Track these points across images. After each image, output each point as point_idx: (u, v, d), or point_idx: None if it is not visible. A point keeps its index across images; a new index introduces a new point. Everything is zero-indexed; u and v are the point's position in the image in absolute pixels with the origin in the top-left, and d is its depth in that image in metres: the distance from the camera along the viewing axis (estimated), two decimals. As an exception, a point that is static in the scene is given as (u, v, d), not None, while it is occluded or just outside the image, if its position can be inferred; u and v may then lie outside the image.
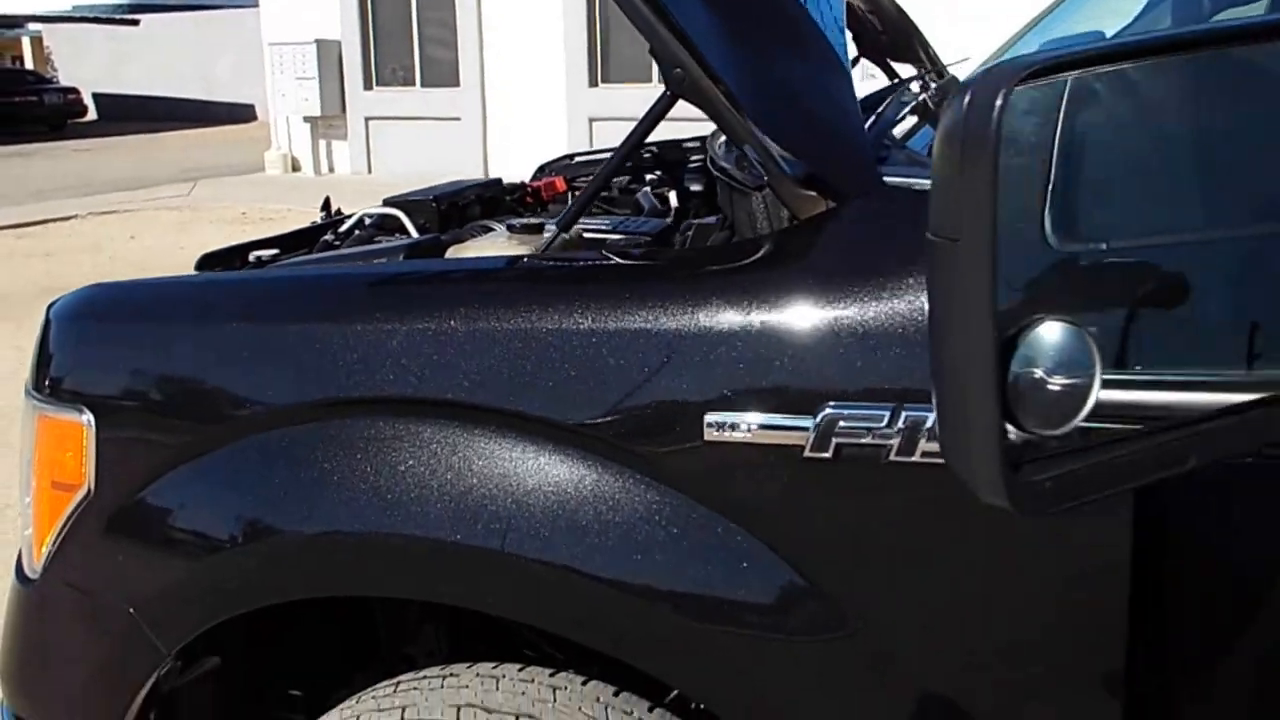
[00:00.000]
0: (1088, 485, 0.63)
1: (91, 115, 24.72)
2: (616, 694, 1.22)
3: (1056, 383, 0.60)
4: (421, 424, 1.09)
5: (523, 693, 1.19)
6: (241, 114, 22.60)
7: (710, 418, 0.98)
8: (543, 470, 1.06)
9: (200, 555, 1.21)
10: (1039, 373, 0.61)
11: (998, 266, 0.58)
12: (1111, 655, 0.93)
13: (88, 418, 1.26)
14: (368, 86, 12.77)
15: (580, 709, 1.18)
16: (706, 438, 0.99)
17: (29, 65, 27.91)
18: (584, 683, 1.22)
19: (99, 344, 1.31)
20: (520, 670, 1.22)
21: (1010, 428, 0.60)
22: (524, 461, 1.07)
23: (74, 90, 23.48)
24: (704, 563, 1.02)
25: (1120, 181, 0.78)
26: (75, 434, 1.27)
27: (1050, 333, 0.60)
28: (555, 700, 1.19)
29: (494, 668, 1.21)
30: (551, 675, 1.23)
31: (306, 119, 13.04)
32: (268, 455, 1.16)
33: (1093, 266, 0.73)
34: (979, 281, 0.59)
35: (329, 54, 12.63)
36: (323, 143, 13.28)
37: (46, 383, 1.31)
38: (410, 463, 1.10)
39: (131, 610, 1.25)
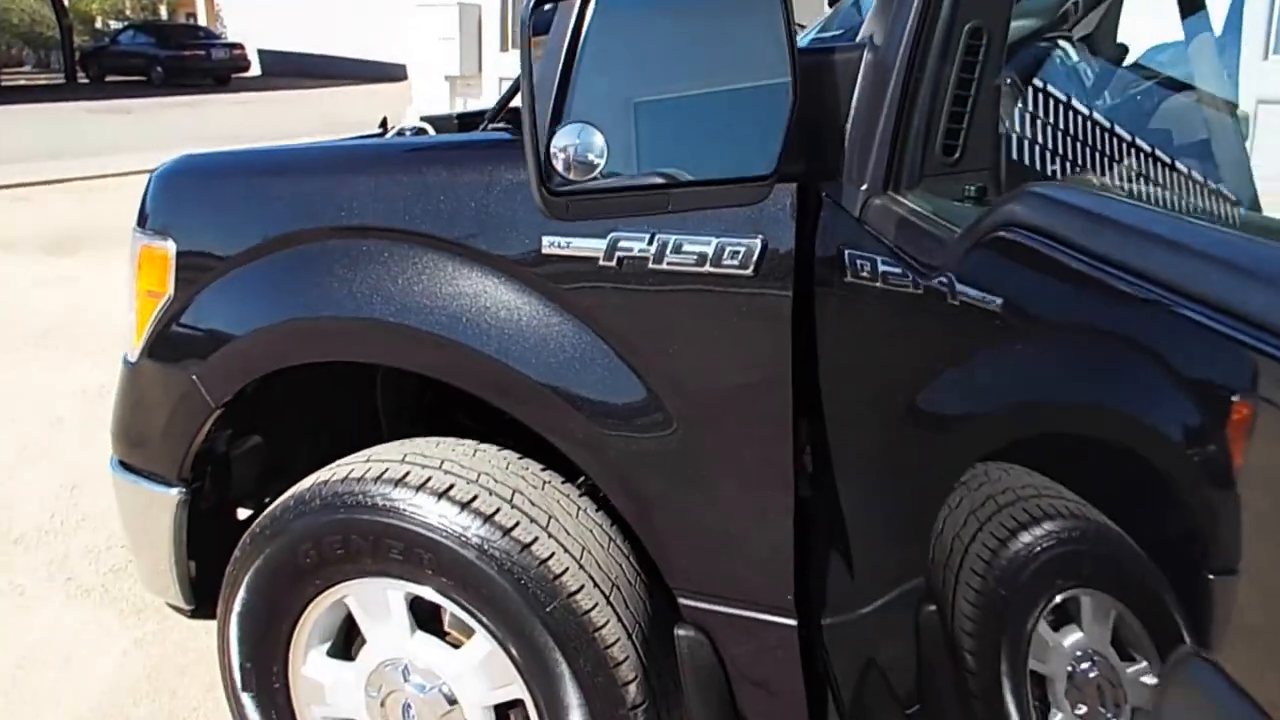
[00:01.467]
0: (595, 210, 1.10)
1: (255, 70, 26.34)
2: (520, 459, 1.75)
3: (579, 155, 1.08)
4: (376, 242, 1.63)
5: (454, 450, 1.72)
6: (393, 73, 23.69)
7: (546, 239, 1.50)
8: (454, 277, 1.59)
9: (235, 335, 1.78)
10: (571, 148, 1.08)
11: (548, 104, 1.08)
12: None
13: (171, 244, 1.84)
14: (503, 48, 13.47)
15: (489, 461, 1.71)
16: (544, 251, 1.50)
17: (201, 21, 29.80)
18: (498, 450, 1.76)
19: (181, 194, 1.89)
20: (456, 440, 1.77)
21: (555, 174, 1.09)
22: (441, 270, 1.59)
23: (239, 46, 25.07)
24: (547, 338, 1.54)
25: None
26: (163, 256, 1.85)
27: (581, 130, 1.08)
28: (474, 455, 1.72)
29: (440, 439, 1.76)
30: (477, 443, 1.77)
31: (446, 78, 13.85)
32: (281, 267, 1.72)
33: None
34: (542, 109, 1.08)
35: (469, 17, 13.39)
36: (459, 100, 14.06)
37: (146, 221, 1.89)
38: (368, 268, 1.64)
39: (193, 378, 1.83)
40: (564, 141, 1.06)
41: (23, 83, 27.56)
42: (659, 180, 1.10)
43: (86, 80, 25.90)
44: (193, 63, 23.85)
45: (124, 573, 2.95)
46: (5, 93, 21.98)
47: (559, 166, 1.06)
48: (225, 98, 20.43)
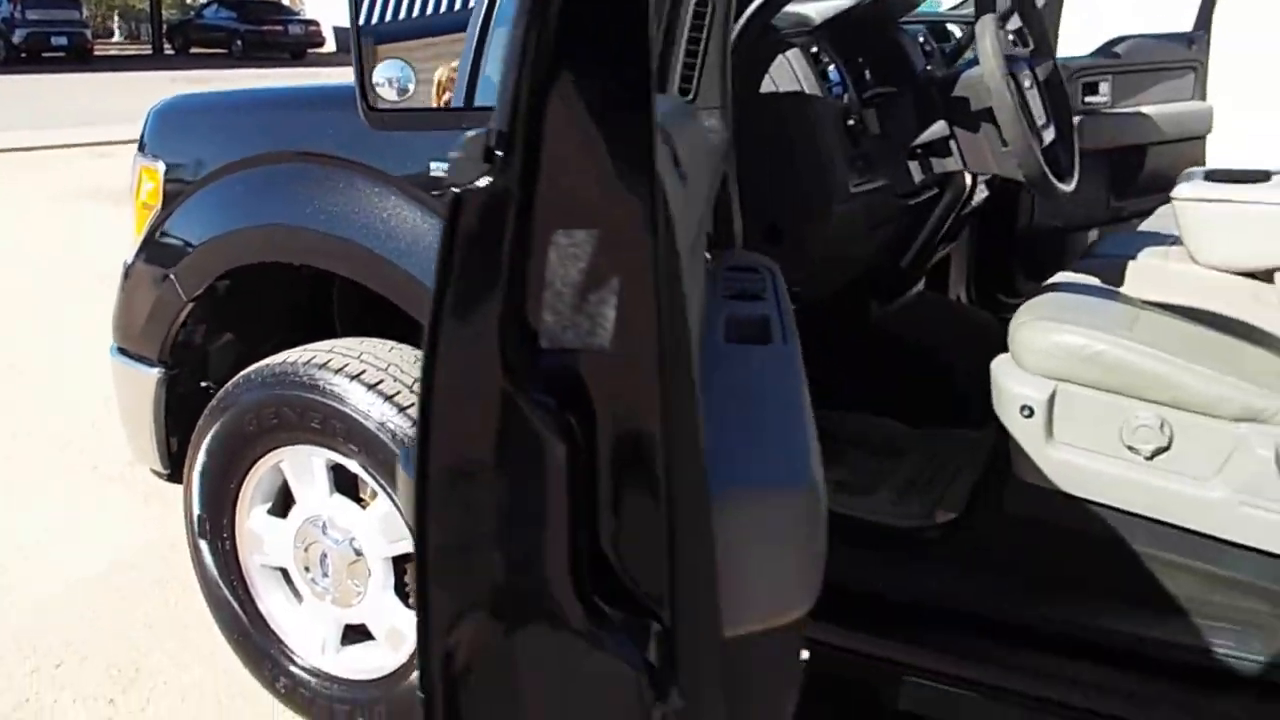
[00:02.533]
0: (402, 123, 1.46)
1: (330, 47, 27.07)
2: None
3: (400, 83, 1.44)
4: (312, 166, 2.01)
5: (375, 346, 2.09)
6: (459, 55, 24.25)
7: (433, 164, 1.86)
8: (369, 194, 1.96)
9: (201, 240, 2.16)
10: (394, 78, 1.44)
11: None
12: None
13: (161, 165, 2.24)
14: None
15: (401, 356, 2.07)
16: (431, 174, 1.86)
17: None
18: (412, 348, 2.12)
19: (170, 125, 2.28)
20: (381, 339, 2.14)
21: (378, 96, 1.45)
22: (359, 188, 1.96)
23: (314, 23, 25.83)
24: (432, 245, 1.90)
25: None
26: (155, 176, 2.25)
27: (401, 65, 1.44)
28: (390, 350, 2.09)
29: (369, 339, 2.13)
30: (397, 342, 2.14)
31: (505, 60, 14.30)
32: (238, 185, 2.10)
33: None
34: (367, 49, 1.45)
35: None
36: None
37: (144, 148, 2.29)
38: (304, 186, 2.01)
39: (171, 275, 2.22)
40: (387, 73, 1.42)
41: (113, 52, 28.64)
42: (456, 106, 1.45)
43: (172, 51, 26.87)
44: (271, 37, 24.66)
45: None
46: (97, 61, 22.92)
47: (383, 91, 1.42)
48: (298, 71, 21.14)
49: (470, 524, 0.66)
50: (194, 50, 26.09)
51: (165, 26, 28.02)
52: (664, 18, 1.38)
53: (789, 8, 1.93)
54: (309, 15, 26.99)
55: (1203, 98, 3.60)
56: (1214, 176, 2.40)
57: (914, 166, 1.95)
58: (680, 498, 0.71)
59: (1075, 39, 3.69)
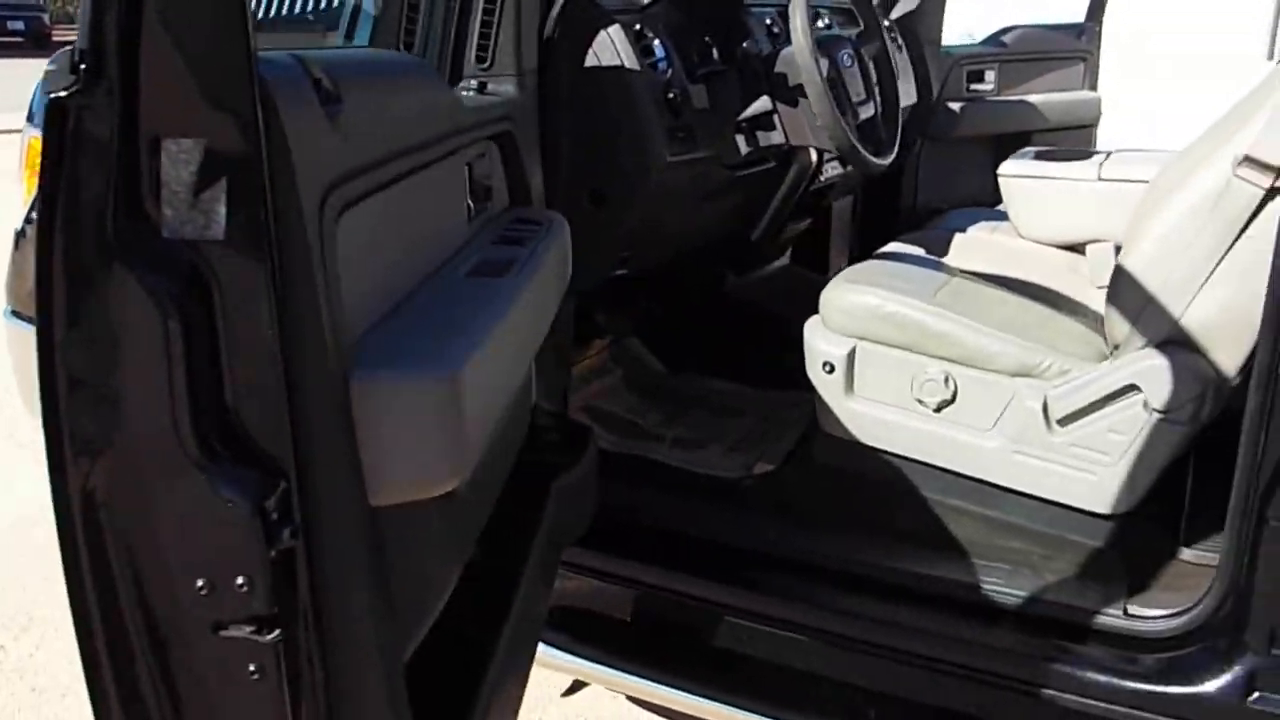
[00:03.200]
0: None
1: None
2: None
3: None
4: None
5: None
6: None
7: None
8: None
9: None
10: None
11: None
12: None
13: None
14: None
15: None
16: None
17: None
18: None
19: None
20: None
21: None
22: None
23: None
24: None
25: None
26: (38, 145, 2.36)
27: None
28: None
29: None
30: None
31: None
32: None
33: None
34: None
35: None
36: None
37: (32, 115, 2.40)
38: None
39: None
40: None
41: (73, 37, 28.12)
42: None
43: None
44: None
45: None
46: (55, 46, 22.64)
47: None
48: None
49: (96, 376, 0.79)
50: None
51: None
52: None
53: None
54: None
55: (1093, 88, 3.75)
56: (1043, 156, 2.54)
57: (740, 140, 2.08)
58: (305, 377, 0.85)
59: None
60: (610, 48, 1.86)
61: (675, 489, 2.05)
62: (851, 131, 2.07)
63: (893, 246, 2.31)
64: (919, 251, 2.26)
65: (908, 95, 3.14)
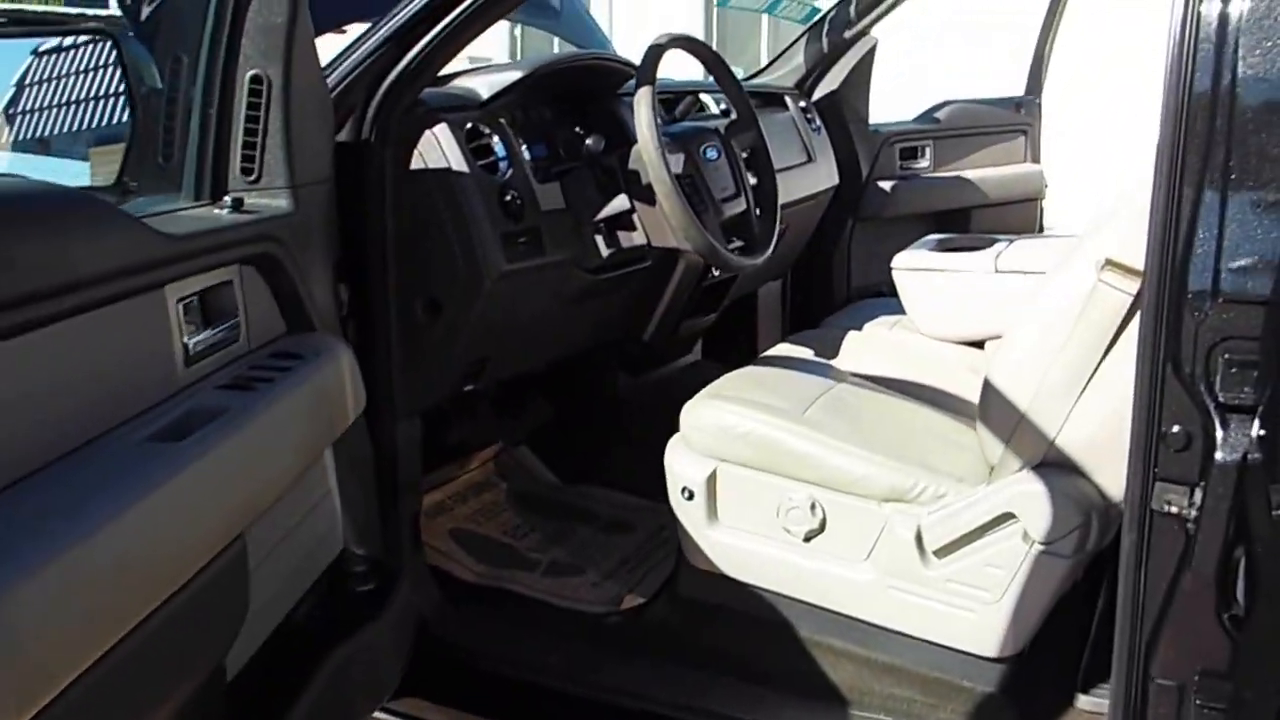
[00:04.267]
0: None
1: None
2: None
3: None
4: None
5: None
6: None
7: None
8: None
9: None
10: None
11: None
12: None
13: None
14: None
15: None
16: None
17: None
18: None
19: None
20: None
21: None
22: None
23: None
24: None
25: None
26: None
27: None
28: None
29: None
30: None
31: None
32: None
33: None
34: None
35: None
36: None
37: None
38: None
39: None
40: None
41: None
42: None
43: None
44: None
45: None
46: None
47: None
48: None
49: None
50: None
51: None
52: (209, 98, 1.36)
53: (459, 82, 1.92)
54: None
55: (1035, 160, 3.60)
56: (945, 245, 2.37)
57: (600, 241, 1.93)
58: None
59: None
60: (436, 149, 1.72)
61: (532, 628, 1.87)
62: (713, 231, 1.91)
63: (781, 349, 2.14)
64: (807, 353, 2.09)
65: (828, 177, 3.00)
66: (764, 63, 3.37)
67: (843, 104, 3.12)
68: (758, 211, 2.12)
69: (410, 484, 1.85)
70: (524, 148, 1.90)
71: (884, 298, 2.59)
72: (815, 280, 3.24)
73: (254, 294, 1.34)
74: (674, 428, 1.83)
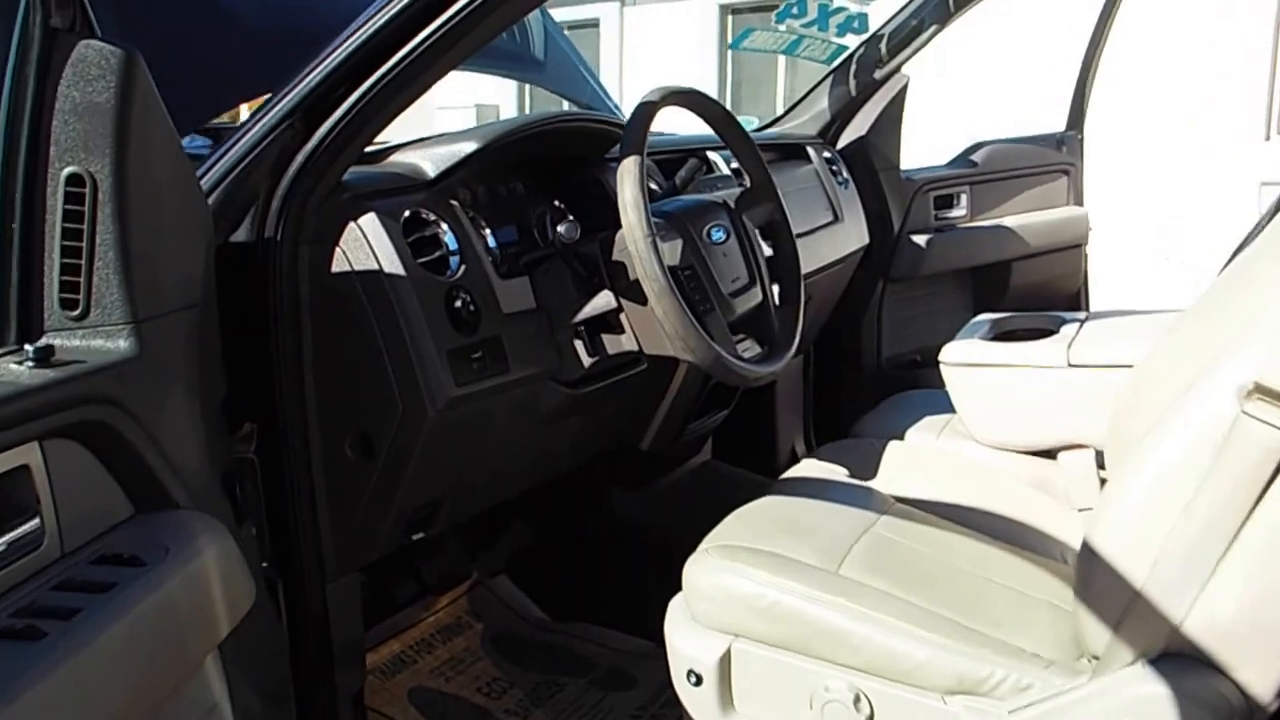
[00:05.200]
0: None
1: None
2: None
3: None
4: None
5: None
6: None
7: None
8: None
9: None
10: None
11: None
12: None
13: None
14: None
15: None
16: None
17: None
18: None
19: None
20: None
21: None
22: None
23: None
24: None
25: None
26: None
27: None
28: None
29: None
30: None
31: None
32: None
33: None
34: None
35: (486, 117, 13.69)
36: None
37: None
38: None
39: None
40: None
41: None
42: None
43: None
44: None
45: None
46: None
47: None
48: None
49: None
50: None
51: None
52: (7, 207, 1.00)
53: (400, 156, 1.56)
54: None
55: (1079, 202, 3.22)
56: (1001, 330, 1.98)
57: (581, 347, 1.56)
58: None
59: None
60: (363, 246, 1.35)
61: None
62: (719, 335, 1.53)
63: (807, 467, 1.75)
64: (839, 473, 1.71)
65: (857, 237, 2.62)
66: (781, 108, 3.00)
67: (872, 151, 2.75)
68: (777, 302, 1.73)
69: (349, 652, 1.48)
70: (486, 233, 1.54)
71: (925, 391, 2.19)
72: (843, 351, 2.86)
73: (71, 476, 0.96)
74: (683, 547, 1.46)
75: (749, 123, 2.78)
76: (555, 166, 1.73)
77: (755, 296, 1.66)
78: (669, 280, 1.43)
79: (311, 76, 1.23)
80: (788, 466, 2.84)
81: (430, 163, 1.52)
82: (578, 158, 1.76)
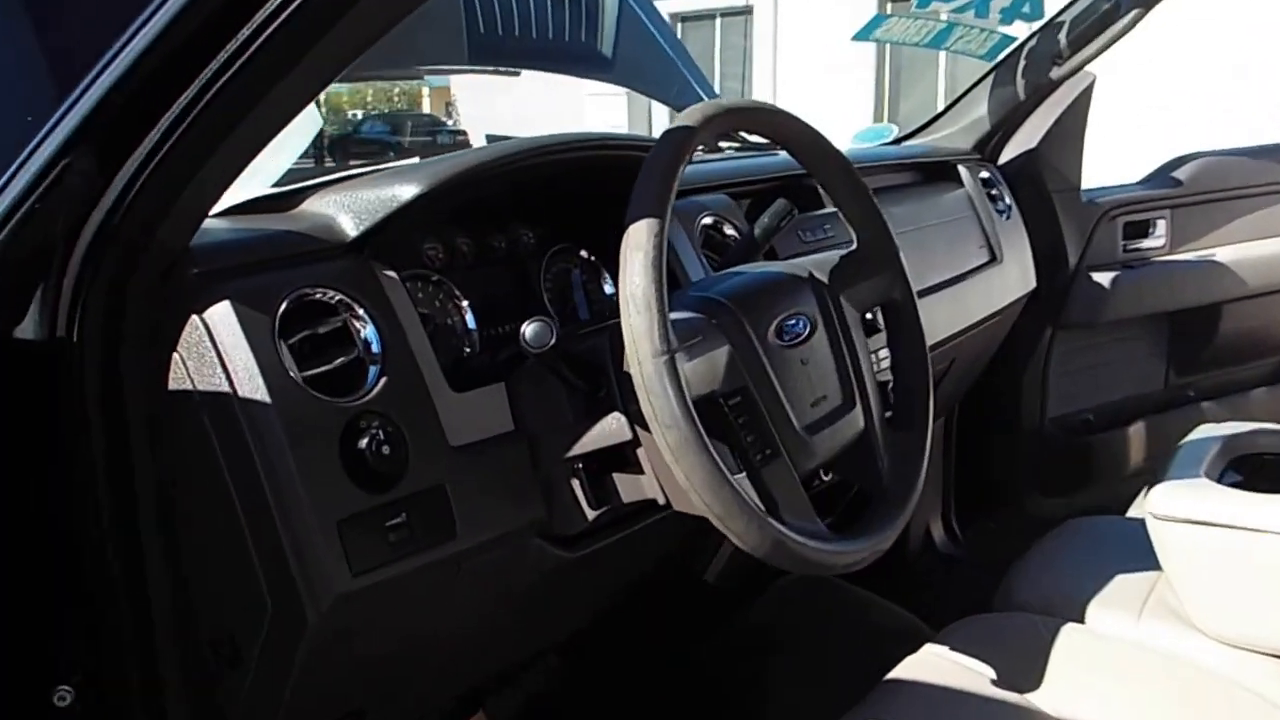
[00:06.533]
0: None
1: (479, 154, 27.60)
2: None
3: None
4: None
5: None
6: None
7: None
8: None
9: None
10: None
11: None
12: None
13: None
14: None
15: None
16: None
17: (426, 109, 31.65)
18: None
19: None
20: None
21: None
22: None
23: (463, 133, 26.30)
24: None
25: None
26: None
27: None
28: None
29: None
30: None
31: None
32: None
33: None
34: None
35: (638, 101, 13.35)
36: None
37: None
38: None
39: None
40: None
41: (278, 167, 30.29)
42: None
43: (332, 163, 27.88)
44: (419, 149, 25.29)
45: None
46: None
47: None
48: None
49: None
50: (353, 162, 26.96)
51: (326, 141, 29.14)
52: None
53: (314, 202, 1.05)
54: (461, 126, 27.56)
55: (1311, 229, 2.54)
56: (1234, 456, 1.36)
57: (579, 491, 1.10)
58: None
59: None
60: (207, 352, 0.89)
61: None
62: (785, 499, 1.00)
63: (920, 663, 1.20)
64: (973, 682, 1.16)
65: (1020, 281, 2.07)
66: (943, 102, 2.43)
67: (1044, 168, 2.20)
68: (884, 425, 1.15)
69: None
70: (464, 307, 1.08)
71: (1111, 519, 1.59)
72: (995, 410, 2.32)
73: None
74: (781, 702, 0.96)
75: (880, 135, 2.24)
76: (555, 207, 1.25)
77: (853, 424, 1.11)
78: (694, 425, 0.90)
79: (96, 84, 0.76)
80: (920, 555, 2.34)
81: (350, 215, 1.03)
82: (588, 194, 1.25)
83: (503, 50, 2.10)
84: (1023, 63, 2.10)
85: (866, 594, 1.72)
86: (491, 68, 2.53)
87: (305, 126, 1.27)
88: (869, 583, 1.65)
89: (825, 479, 1.24)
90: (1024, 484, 2.31)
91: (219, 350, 0.88)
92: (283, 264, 0.96)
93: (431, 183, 1.04)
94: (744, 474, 0.98)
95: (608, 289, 1.31)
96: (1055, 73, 2.07)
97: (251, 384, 0.87)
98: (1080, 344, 2.33)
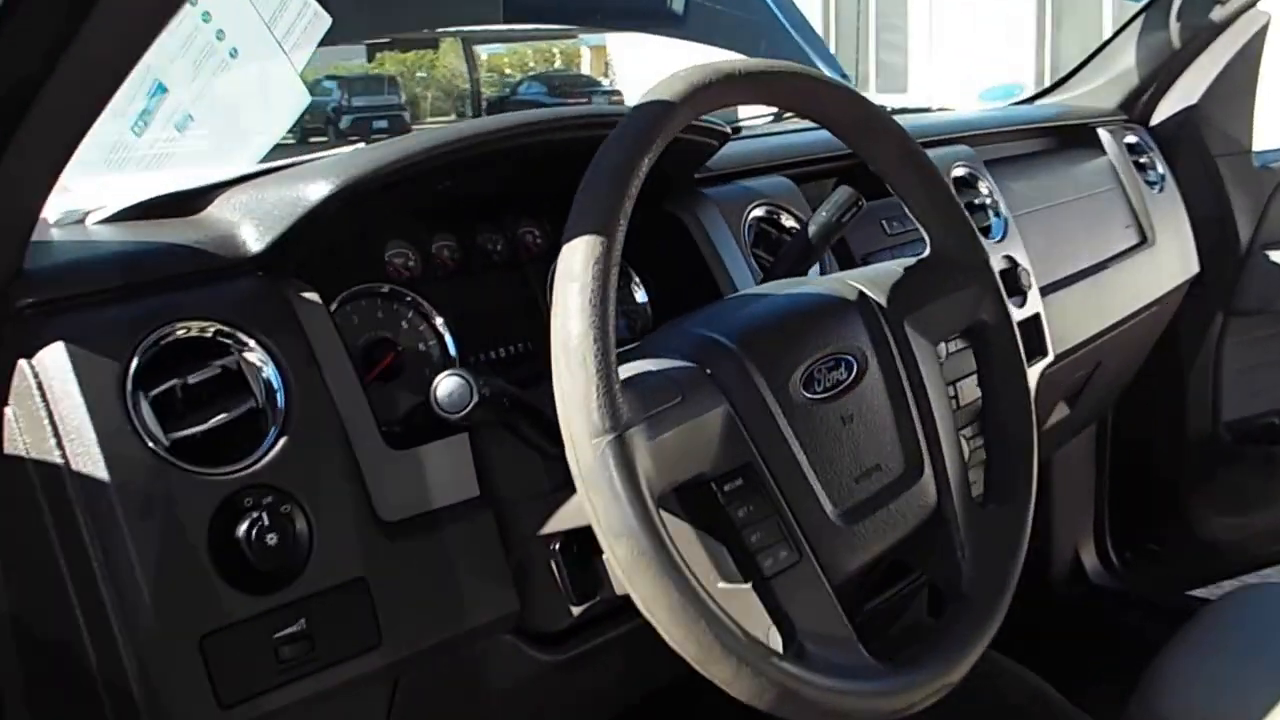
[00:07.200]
0: None
1: (635, 114, 27.66)
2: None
3: None
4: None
5: None
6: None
7: None
8: None
9: None
10: None
11: None
12: None
13: None
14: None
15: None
16: None
17: (585, 70, 31.75)
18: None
19: None
20: None
21: None
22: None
23: (618, 93, 26.31)
24: None
25: None
26: None
27: None
28: None
29: None
30: None
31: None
32: None
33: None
34: None
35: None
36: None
37: None
38: None
39: None
40: None
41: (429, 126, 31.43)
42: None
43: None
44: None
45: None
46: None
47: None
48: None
49: None
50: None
51: (485, 104, 29.64)
52: None
53: (219, 206, 0.81)
54: (616, 86, 27.58)
55: None
56: None
57: (559, 577, 0.84)
58: None
59: None
60: (37, 408, 0.69)
61: None
62: (808, 616, 0.75)
63: None
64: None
65: (1180, 266, 1.79)
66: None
67: (1206, 128, 1.90)
68: (966, 500, 0.86)
69: None
70: (438, 324, 0.90)
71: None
72: (1156, 414, 2.03)
73: None
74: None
75: (1009, 93, 1.95)
76: (534, 200, 1.03)
77: (921, 500, 0.83)
78: (654, 535, 0.64)
79: None
80: (1068, 586, 2.06)
81: (254, 222, 0.81)
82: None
83: (544, 5, 1.90)
84: (1177, 3, 1.77)
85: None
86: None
87: (289, 100, 1.07)
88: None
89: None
90: (1193, 501, 2.01)
91: (49, 406, 0.69)
92: (153, 289, 0.75)
93: (344, 179, 0.80)
94: (749, 584, 0.75)
95: (639, 296, 1.09)
96: (1219, 13, 1.74)
97: (85, 451, 0.68)
98: (1259, 334, 2.02)
